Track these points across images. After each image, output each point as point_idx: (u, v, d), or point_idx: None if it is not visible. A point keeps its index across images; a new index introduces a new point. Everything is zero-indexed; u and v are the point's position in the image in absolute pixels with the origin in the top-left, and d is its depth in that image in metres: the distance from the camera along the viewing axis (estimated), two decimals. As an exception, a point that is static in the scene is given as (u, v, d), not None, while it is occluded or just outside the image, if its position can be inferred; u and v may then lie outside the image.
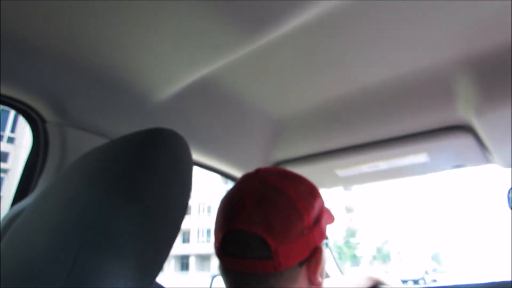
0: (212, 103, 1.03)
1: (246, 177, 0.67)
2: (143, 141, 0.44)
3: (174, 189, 0.45)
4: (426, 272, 25.07)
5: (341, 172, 1.29)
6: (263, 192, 0.61)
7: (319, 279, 0.62)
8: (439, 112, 1.01)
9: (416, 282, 23.30)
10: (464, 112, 0.96)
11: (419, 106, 1.01)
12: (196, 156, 1.20)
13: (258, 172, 0.66)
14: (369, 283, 1.27)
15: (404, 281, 25.42)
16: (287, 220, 0.58)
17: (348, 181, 1.38)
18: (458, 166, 1.21)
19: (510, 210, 1.36)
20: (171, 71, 0.86)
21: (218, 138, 1.19)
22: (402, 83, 0.95)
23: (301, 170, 1.29)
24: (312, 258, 0.60)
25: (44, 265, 0.36)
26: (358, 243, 34.85)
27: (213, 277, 1.84)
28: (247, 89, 0.99)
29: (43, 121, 0.86)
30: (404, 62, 0.89)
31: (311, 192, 0.65)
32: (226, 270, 0.61)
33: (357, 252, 35.24)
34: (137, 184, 0.40)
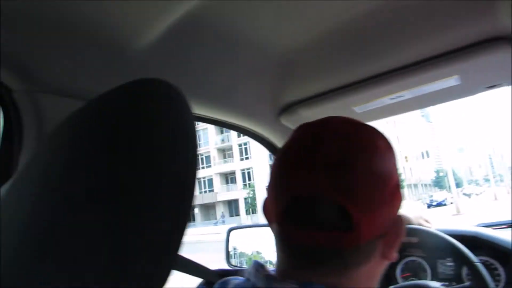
0: (204, 44, 0.85)
1: (310, 129, 0.55)
2: (130, 94, 0.36)
3: (179, 146, 0.35)
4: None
5: (359, 108, 1.14)
6: (341, 150, 0.49)
7: (395, 253, 0.53)
8: (474, 23, 0.83)
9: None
10: (505, 17, 0.79)
11: (448, 18, 0.82)
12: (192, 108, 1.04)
13: (328, 124, 0.55)
14: None
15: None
16: (372, 185, 0.48)
17: (367, 117, 1.23)
18: (492, 86, 1.06)
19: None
20: (150, 10, 0.69)
21: (215, 84, 1.03)
22: None
23: (314, 111, 1.14)
24: (392, 229, 0.51)
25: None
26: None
27: (229, 231, 1.75)
28: (243, 23, 0.80)
29: (9, 90, 0.74)
30: None
31: (390, 150, 0.54)
32: (287, 241, 0.51)
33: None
34: (133, 145, 0.33)
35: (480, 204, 26.53)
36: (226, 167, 39.75)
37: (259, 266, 0.53)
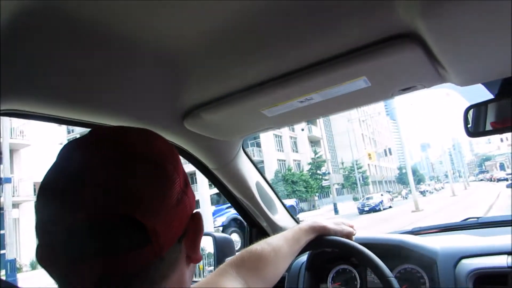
0: (76, 45, 0.73)
1: (76, 145, 0.49)
2: None
3: None
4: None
5: (268, 112, 1.04)
6: (116, 158, 0.44)
7: (199, 253, 0.53)
8: (375, 20, 0.75)
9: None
10: (406, 15, 0.71)
11: (348, 15, 0.74)
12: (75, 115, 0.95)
13: (93, 135, 0.50)
14: (311, 234, 1.09)
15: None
16: (159, 187, 0.46)
17: (278, 122, 1.14)
18: (406, 89, 0.99)
19: (465, 133, 1.18)
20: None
21: (112, 92, 0.92)
22: None
23: (218, 115, 1.04)
24: (190, 229, 0.51)
25: None
26: (325, 173, 36.08)
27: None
28: (130, 25, 0.69)
29: None
30: None
31: (169, 146, 0.53)
32: (74, 278, 0.43)
33: (324, 183, 36.63)
34: None
35: (439, 199, 27.29)
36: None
37: None
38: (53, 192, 0.44)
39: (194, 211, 0.52)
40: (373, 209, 25.24)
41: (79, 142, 0.49)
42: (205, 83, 0.96)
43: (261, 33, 0.78)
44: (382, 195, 29.50)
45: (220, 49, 0.82)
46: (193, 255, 0.51)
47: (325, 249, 1.32)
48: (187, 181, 0.52)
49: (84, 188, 0.42)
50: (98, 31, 0.69)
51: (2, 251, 11.48)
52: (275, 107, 1.01)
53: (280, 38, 0.80)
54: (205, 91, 1.00)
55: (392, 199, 32.07)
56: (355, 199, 39.78)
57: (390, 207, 27.06)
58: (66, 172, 0.45)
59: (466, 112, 1.13)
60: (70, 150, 0.48)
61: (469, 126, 1.16)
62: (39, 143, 16.58)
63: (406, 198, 37.70)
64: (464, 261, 1.11)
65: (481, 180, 64.88)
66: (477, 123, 1.16)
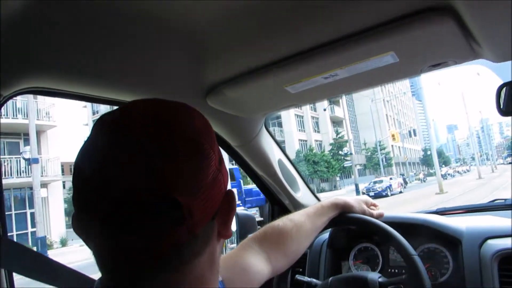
0: (99, 22, 0.73)
1: (112, 120, 0.47)
2: None
3: None
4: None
5: (292, 88, 1.03)
6: (153, 134, 0.44)
7: (230, 230, 0.52)
8: None
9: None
10: None
11: None
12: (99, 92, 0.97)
13: (129, 109, 0.49)
14: (334, 211, 1.09)
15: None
16: (196, 165, 0.45)
17: (302, 98, 1.13)
18: (437, 65, 0.95)
19: (497, 112, 1.14)
20: None
21: (135, 70, 0.93)
22: None
23: (241, 91, 1.03)
24: (223, 206, 0.49)
25: None
26: (347, 154, 35.66)
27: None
28: (150, 3, 0.69)
29: None
30: None
31: (206, 123, 0.51)
32: (110, 254, 0.44)
33: (346, 164, 36.24)
34: None
35: (464, 182, 26.50)
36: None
37: None
38: (88, 169, 0.44)
39: (227, 189, 0.51)
40: (379, 195, 22.32)
41: (115, 117, 0.47)
42: (227, 59, 0.95)
43: (285, 7, 0.76)
44: (391, 178, 27.68)
45: (242, 25, 0.81)
46: (224, 231, 0.51)
47: (348, 227, 1.31)
48: (222, 159, 0.50)
49: (120, 165, 0.42)
50: (120, 8, 0.69)
51: (33, 229, 12.00)
52: (298, 83, 1.00)
53: (305, 12, 0.78)
54: (228, 67, 0.99)
55: (406, 183, 29.96)
56: (377, 180, 39.18)
57: (400, 192, 24.94)
58: (102, 149, 0.44)
59: (499, 90, 1.09)
60: (106, 126, 0.47)
61: (501, 105, 1.11)
62: (65, 124, 17.11)
63: (424, 181, 36.15)
64: (490, 241, 1.09)
65: (510, 163, 62.76)
66: (510, 102, 1.11)
